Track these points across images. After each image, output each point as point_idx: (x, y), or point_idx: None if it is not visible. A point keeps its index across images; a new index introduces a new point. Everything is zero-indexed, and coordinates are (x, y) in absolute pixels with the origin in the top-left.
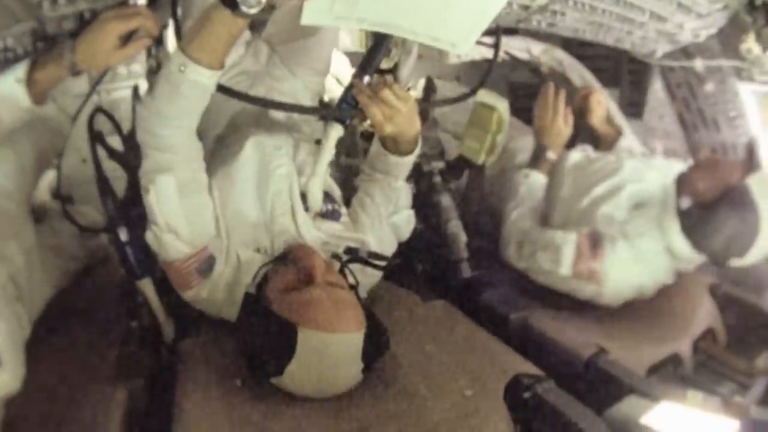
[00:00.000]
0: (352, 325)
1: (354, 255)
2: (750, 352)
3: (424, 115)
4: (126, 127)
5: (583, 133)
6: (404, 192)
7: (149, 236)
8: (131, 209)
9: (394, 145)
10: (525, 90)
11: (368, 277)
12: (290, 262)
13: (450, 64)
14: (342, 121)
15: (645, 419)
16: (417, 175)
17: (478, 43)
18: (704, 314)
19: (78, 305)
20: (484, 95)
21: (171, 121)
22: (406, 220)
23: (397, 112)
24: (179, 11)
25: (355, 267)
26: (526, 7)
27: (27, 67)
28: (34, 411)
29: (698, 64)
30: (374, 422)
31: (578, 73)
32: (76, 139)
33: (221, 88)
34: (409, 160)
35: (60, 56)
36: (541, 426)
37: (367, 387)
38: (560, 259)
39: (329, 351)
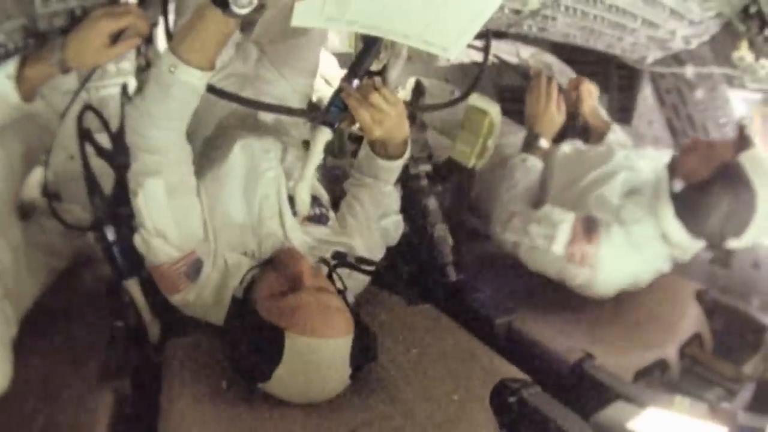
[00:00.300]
0: (340, 330)
1: (342, 260)
2: (737, 357)
3: (412, 117)
4: (114, 124)
5: (572, 131)
6: (393, 196)
7: (137, 240)
8: (118, 208)
9: (383, 149)
10: (513, 93)
11: (356, 282)
12: (278, 266)
13: (439, 67)
14: (331, 125)
15: (632, 425)
16: (404, 178)
17: (468, 46)
18: (691, 320)
19: (64, 304)
20: (476, 99)
21: (160, 122)
22: (394, 225)
23: (387, 116)
24: (170, 10)
25: (342, 272)
26: (517, 12)
27: (17, 64)
28: (20, 410)
29: (689, 70)
30: (361, 426)
31: (567, 77)
32: (63, 137)
33: (211, 89)
34: (398, 165)
35: (50, 53)
36: (528, 431)
37: (354, 391)
38: (555, 236)
39: (317, 356)
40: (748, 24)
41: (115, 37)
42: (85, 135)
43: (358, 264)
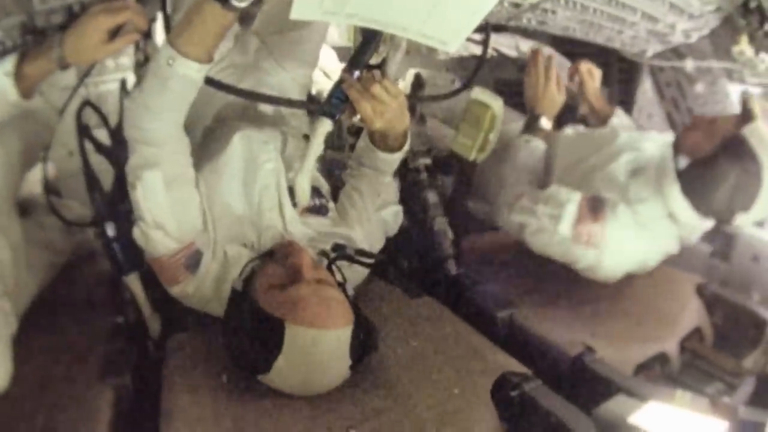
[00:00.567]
0: (340, 321)
1: (341, 252)
2: (737, 352)
3: (411, 110)
4: (113, 120)
5: (571, 119)
6: (392, 187)
7: (136, 232)
8: (118, 204)
9: (383, 141)
10: (512, 87)
11: (355, 274)
12: (278, 259)
13: (438, 60)
14: (331, 116)
15: (633, 419)
16: (403, 172)
17: (468, 39)
18: (691, 314)
19: (64, 300)
20: (478, 93)
21: (159, 114)
22: (394, 216)
23: (388, 107)
24: (168, 4)
25: (342, 263)
26: (517, 5)
27: (15, 61)
28: (21, 408)
29: (689, 64)
30: (361, 419)
31: (567, 70)
32: (62, 133)
33: (210, 81)
34: (397, 157)
35: (48, 50)
36: (529, 425)
37: (354, 383)
38: (562, 215)
39: (317, 347)
40: (749, 18)
41: (114, 33)
42: (84, 131)
43: (357, 256)
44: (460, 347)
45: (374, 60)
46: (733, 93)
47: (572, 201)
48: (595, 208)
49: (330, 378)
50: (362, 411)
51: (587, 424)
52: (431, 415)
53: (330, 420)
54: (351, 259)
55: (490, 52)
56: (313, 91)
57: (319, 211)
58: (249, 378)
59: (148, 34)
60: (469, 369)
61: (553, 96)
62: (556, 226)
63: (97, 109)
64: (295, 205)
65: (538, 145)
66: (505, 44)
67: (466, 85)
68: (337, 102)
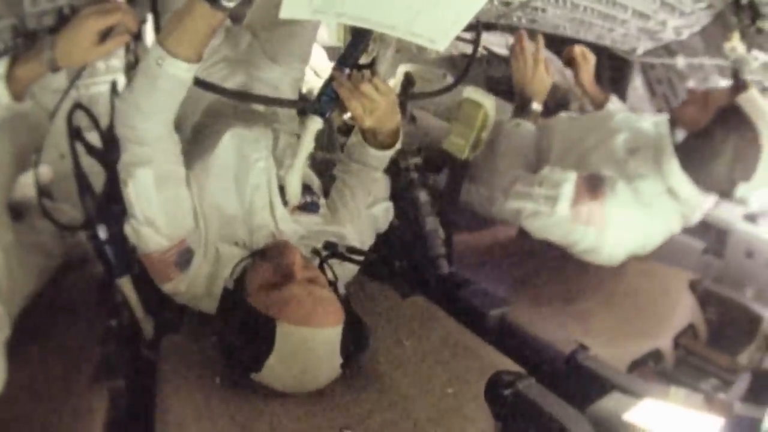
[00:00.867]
0: (331, 319)
1: (333, 250)
2: (731, 348)
3: (402, 109)
4: (104, 122)
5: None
6: (382, 183)
7: (128, 229)
8: (110, 206)
9: (374, 138)
10: (502, 85)
11: (346, 271)
12: (269, 258)
13: (428, 59)
14: (322, 114)
15: (628, 416)
16: (394, 171)
17: (458, 38)
18: (685, 310)
19: (57, 304)
20: (471, 92)
21: (148, 114)
22: (384, 212)
23: (378, 105)
24: (158, 6)
25: (333, 261)
26: (507, 3)
27: (7, 64)
28: (15, 412)
29: (680, 61)
30: (355, 419)
31: (557, 68)
32: (54, 135)
33: (199, 82)
34: (388, 154)
35: (39, 52)
36: (523, 423)
37: (348, 383)
38: (559, 195)
39: (308, 346)
40: (740, 15)
41: (104, 35)
42: (75, 134)
43: (348, 254)
44: (453, 346)
45: (364, 59)
46: None
47: (569, 180)
48: (593, 186)
49: (321, 376)
50: (356, 411)
51: (582, 422)
52: (425, 414)
53: (324, 420)
54: (342, 257)
55: (480, 50)
56: (304, 90)
57: (310, 208)
58: (242, 379)
59: (138, 36)
60: (462, 368)
61: (542, 78)
62: (553, 207)
63: (88, 112)
64: (285, 203)
65: (529, 128)
66: (495, 42)
67: (456, 83)
68: (328, 100)
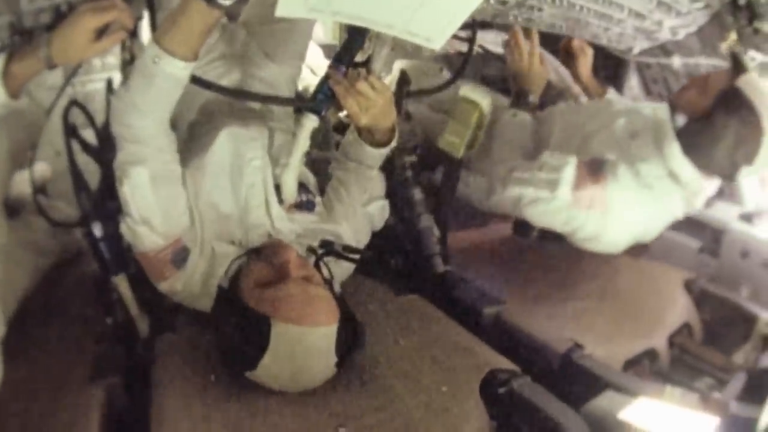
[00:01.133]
0: (326, 318)
1: (329, 248)
2: (726, 347)
3: (397, 107)
4: (100, 119)
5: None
6: (378, 181)
7: (123, 228)
8: (105, 204)
9: (370, 136)
10: (497, 83)
11: (342, 270)
12: (264, 256)
13: (424, 57)
14: (317, 112)
15: (623, 415)
16: (389, 169)
17: (453, 36)
18: (680, 309)
19: (52, 302)
20: (467, 90)
21: (145, 112)
22: (380, 210)
23: (374, 103)
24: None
25: (329, 260)
26: (503, 2)
27: (3, 61)
28: (11, 411)
29: (676, 61)
30: (350, 417)
31: (553, 67)
32: (49, 133)
33: (196, 80)
34: (384, 152)
35: (36, 49)
36: (518, 421)
37: (343, 382)
38: (559, 180)
39: (303, 344)
40: (737, 15)
41: (101, 32)
42: (71, 131)
43: (344, 252)
44: (448, 345)
45: (359, 57)
46: None
47: (570, 164)
48: (594, 170)
49: (315, 374)
50: (351, 410)
51: (577, 420)
52: (420, 412)
53: (319, 419)
54: (339, 255)
55: (475, 48)
56: (300, 87)
57: (306, 207)
58: (238, 377)
59: (134, 33)
60: (457, 366)
61: (538, 71)
62: (554, 192)
63: (84, 109)
64: (281, 202)
65: (526, 118)
66: (490, 41)
67: (452, 81)
68: (323, 98)
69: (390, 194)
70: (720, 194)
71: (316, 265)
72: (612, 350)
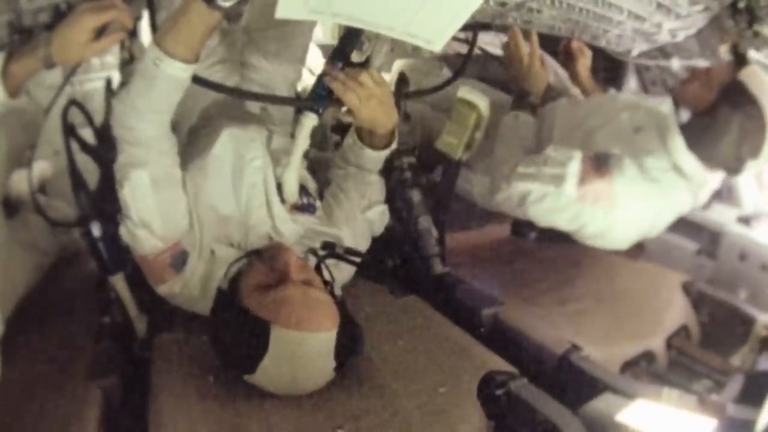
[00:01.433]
0: (326, 324)
1: (331, 250)
2: (724, 349)
3: (396, 106)
4: (99, 119)
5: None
6: (378, 186)
7: (123, 230)
8: (104, 203)
9: (370, 138)
10: (496, 85)
11: (342, 273)
12: (264, 258)
13: (423, 57)
14: (315, 110)
15: (620, 417)
16: (387, 170)
17: (453, 38)
18: (677, 311)
19: (51, 301)
20: (465, 92)
21: (146, 114)
22: (380, 215)
23: (373, 93)
24: (154, 3)
25: (330, 263)
26: (502, 4)
27: (2, 60)
28: (9, 410)
29: (675, 63)
30: (348, 418)
31: (552, 69)
32: (48, 132)
33: (197, 80)
34: (383, 155)
35: (35, 49)
36: (516, 423)
37: (341, 383)
38: (565, 175)
39: (302, 349)
40: (737, 18)
41: (100, 32)
42: (69, 130)
43: (346, 254)
44: (446, 346)
45: (358, 58)
46: None
47: (574, 159)
48: (599, 164)
49: (314, 379)
50: (349, 410)
51: (574, 422)
52: (418, 414)
53: (317, 420)
54: (340, 258)
55: (474, 50)
56: (299, 89)
57: (307, 209)
58: (236, 378)
59: (133, 33)
60: (455, 367)
61: (538, 72)
62: (560, 187)
63: (82, 108)
64: (283, 201)
65: (527, 118)
66: (489, 42)
67: (451, 80)
68: (320, 96)
69: (388, 195)
70: (718, 196)
71: (318, 268)
72: (609, 352)
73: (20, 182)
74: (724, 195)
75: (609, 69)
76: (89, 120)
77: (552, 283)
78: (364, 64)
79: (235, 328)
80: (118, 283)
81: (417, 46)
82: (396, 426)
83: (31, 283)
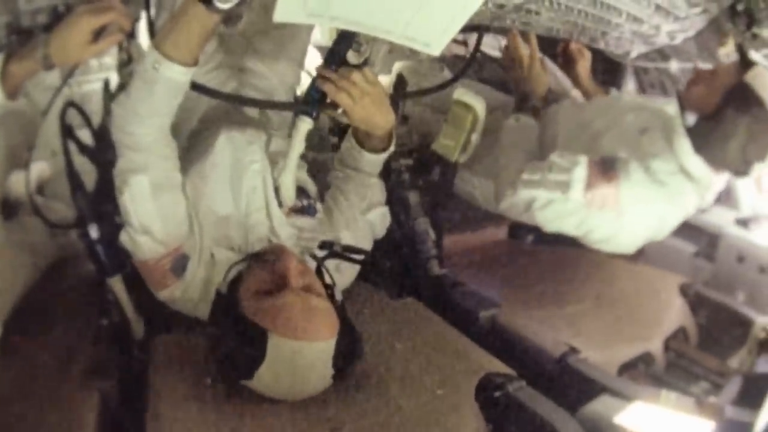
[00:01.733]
0: (324, 333)
1: (330, 250)
2: (722, 351)
3: (394, 109)
4: (97, 120)
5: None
6: (377, 188)
7: (123, 236)
8: (101, 205)
9: (367, 140)
10: (495, 87)
11: (344, 277)
12: (264, 261)
13: (422, 59)
14: (309, 114)
15: (618, 419)
16: (385, 172)
17: (453, 41)
18: (675, 313)
19: (48, 303)
20: (461, 94)
21: (146, 119)
22: (381, 217)
23: (365, 93)
24: (152, 4)
25: (330, 266)
26: (501, 6)
27: (1, 61)
28: (6, 413)
29: (673, 65)
30: (346, 421)
31: (549, 70)
32: (46, 133)
33: (195, 86)
34: (381, 158)
35: (34, 50)
36: (514, 425)
37: (339, 386)
38: (571, 181)
39: (300, 358)
40: (736, 21)
41: (98, 33)
42: (67, 132)
43: (345, 252)
44: (444, 348)
45: (356, 60)
46: None
47: (580, 164)
48: (605, 169)
49: (312, 387)
50: (347, 413)
51: (572, 424)
52: (415, 416)
53: (314, 422)
54: (340, 257)
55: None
56: (298, 92)
57: (306, 211)
58: (233, 381)
59: (132, 34)
60: (453, 370)
61: (539, 74)
62: (566, 193)
63: (80, 110)
64: (281, 205)
65: (528, 121)
66: (488, 45)
67: (450, 82)
68: (314, 99)
69: (386, 197)
70: (716, 199)
71: (318, 271)
72: (607, 354)
73: (18, 184)
74: (722, 197)
75: (607, 71)
76: (87, 121)
77: (550, 285)
78: (362, 67)
79: (232, 334)
80: (116, 284)
81: (415, 50)
82: (393, 428)
83: (29, 285)
